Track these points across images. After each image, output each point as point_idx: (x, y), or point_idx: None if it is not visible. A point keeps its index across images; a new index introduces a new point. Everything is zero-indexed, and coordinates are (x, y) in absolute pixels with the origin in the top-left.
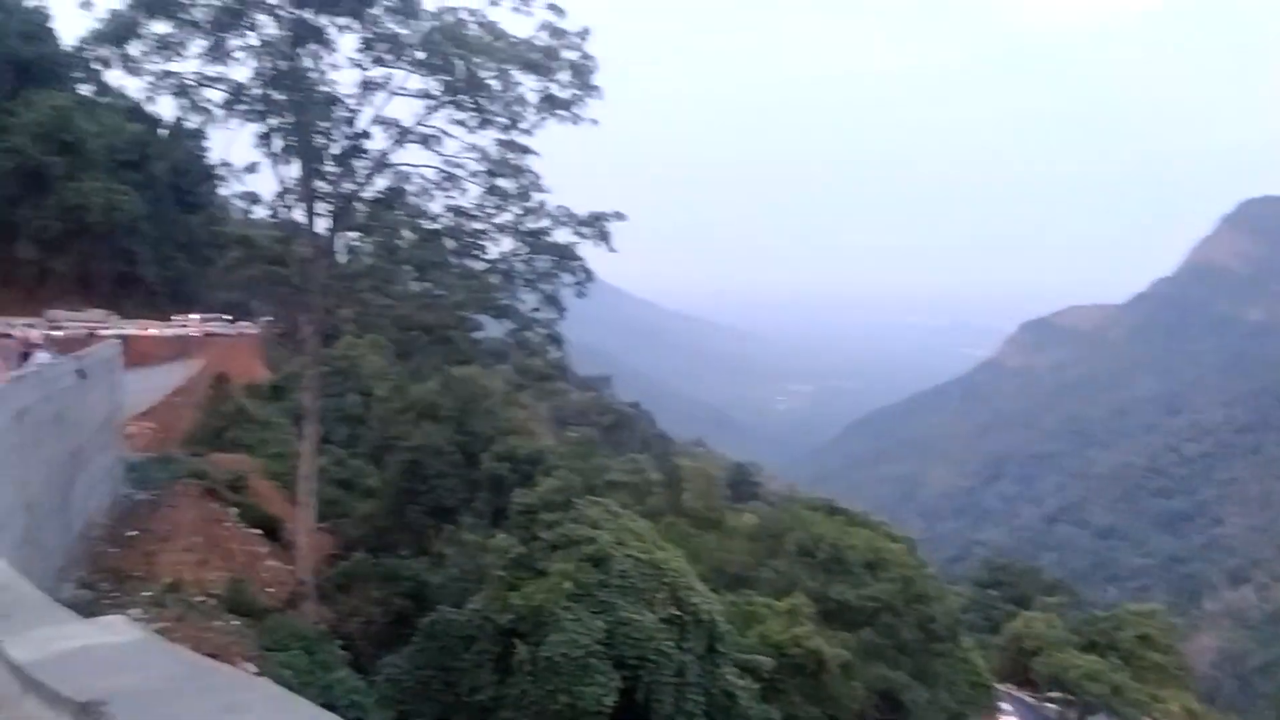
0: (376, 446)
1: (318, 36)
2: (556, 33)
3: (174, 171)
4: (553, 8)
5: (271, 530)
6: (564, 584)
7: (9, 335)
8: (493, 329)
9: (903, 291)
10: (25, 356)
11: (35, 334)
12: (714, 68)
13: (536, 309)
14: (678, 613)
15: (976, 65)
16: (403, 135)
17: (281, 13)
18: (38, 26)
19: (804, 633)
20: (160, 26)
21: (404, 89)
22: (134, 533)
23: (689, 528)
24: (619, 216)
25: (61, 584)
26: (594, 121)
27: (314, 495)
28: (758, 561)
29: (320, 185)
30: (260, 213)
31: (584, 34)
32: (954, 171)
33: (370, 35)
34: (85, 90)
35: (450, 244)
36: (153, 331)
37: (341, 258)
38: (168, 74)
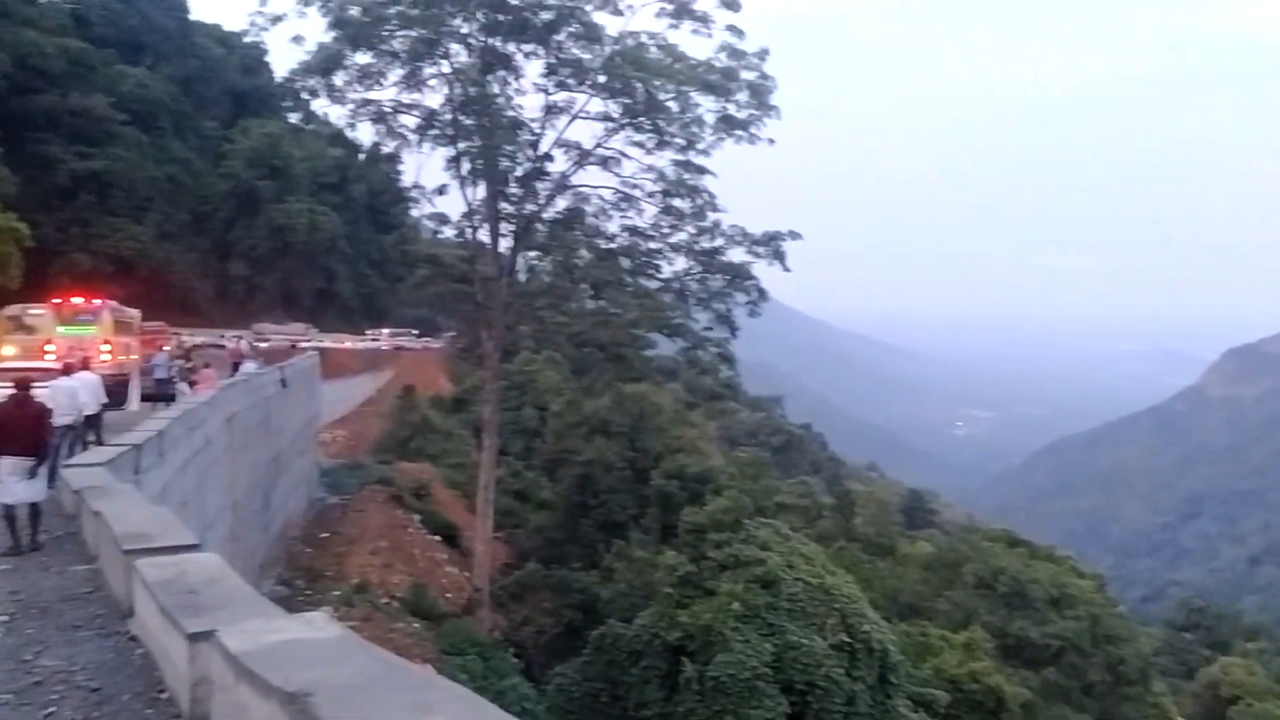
0: (550, 460)
1: (506, 63)
2: (735, 54)
3: (370, 194)
4: (732, 29)
5: (451, 537)
6: (732, 604)
7: (222, 345)
8: (665, 347)
9: (1096, 315)
10: (236, 366)
11: (244, 345)
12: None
13: (709, 327)
14: (848, 640)
15: (1179, 76)
16: (583, 157)
17: (473, 41)
18: (255, 60)
19: (982, 668)
20: (362, 58)
21: (585, 112)
22: (326, 534)
23: (860, 553)
24: (794, 236)
25: (262, 580)
26: (770, 141)
27: (491, 505)
28: (933, 592)
29: (504, 206)
30: (448, 233)
31: (763, 55)
32: (1155, 190)
33: (555, 61)
34: (294, 118)
35: (626, 263)
36: (347, 344)
37: (522, 276)
38: (367, 102)
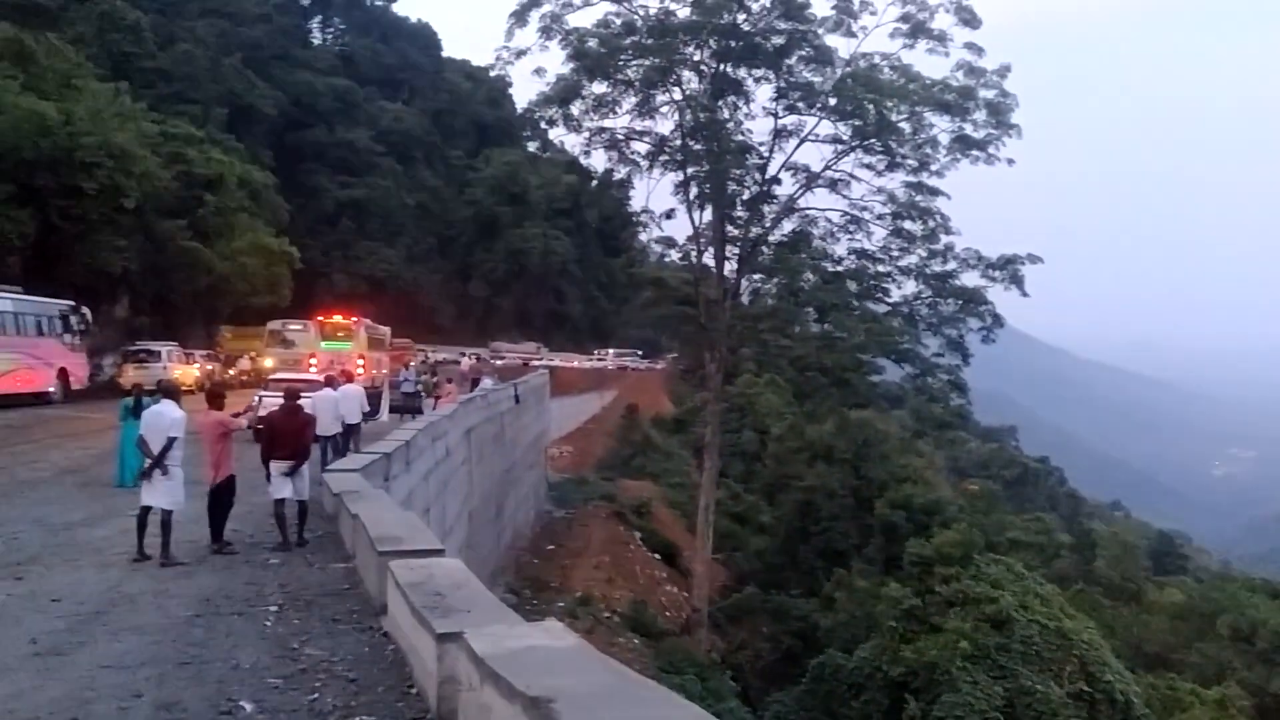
0: (770, 484)
1: (736, 88)
2: (973, 71)
3: (601, 218)
4: (970, 47)
5: (670, 556)
6: (960, 643)
7: (460, 362)
8: (892, 372)
9: None
10: (475, 382)
11: (468, 363)
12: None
13: (939, 353)
14: (1088, 689)
15: None
16: (811, 180)
17: (704, 68)
18: (499, 93)
19: None
20: (598, 87)
21: (815, 135)
22: (552, 547)
23: (1102, 598)
24: (1033, 260)
25: (492, 587)
26: (1010, 162)
27: (710, 526)
28: (1182, 643)
29: (730, 229)
30: (674, 256)
31: (1004, 72)
32: None
33: (785, 84)
34: (532, 147)
35: (853, 286)
36: (575, 363)
37: (745, 299)
38: (601, 129)
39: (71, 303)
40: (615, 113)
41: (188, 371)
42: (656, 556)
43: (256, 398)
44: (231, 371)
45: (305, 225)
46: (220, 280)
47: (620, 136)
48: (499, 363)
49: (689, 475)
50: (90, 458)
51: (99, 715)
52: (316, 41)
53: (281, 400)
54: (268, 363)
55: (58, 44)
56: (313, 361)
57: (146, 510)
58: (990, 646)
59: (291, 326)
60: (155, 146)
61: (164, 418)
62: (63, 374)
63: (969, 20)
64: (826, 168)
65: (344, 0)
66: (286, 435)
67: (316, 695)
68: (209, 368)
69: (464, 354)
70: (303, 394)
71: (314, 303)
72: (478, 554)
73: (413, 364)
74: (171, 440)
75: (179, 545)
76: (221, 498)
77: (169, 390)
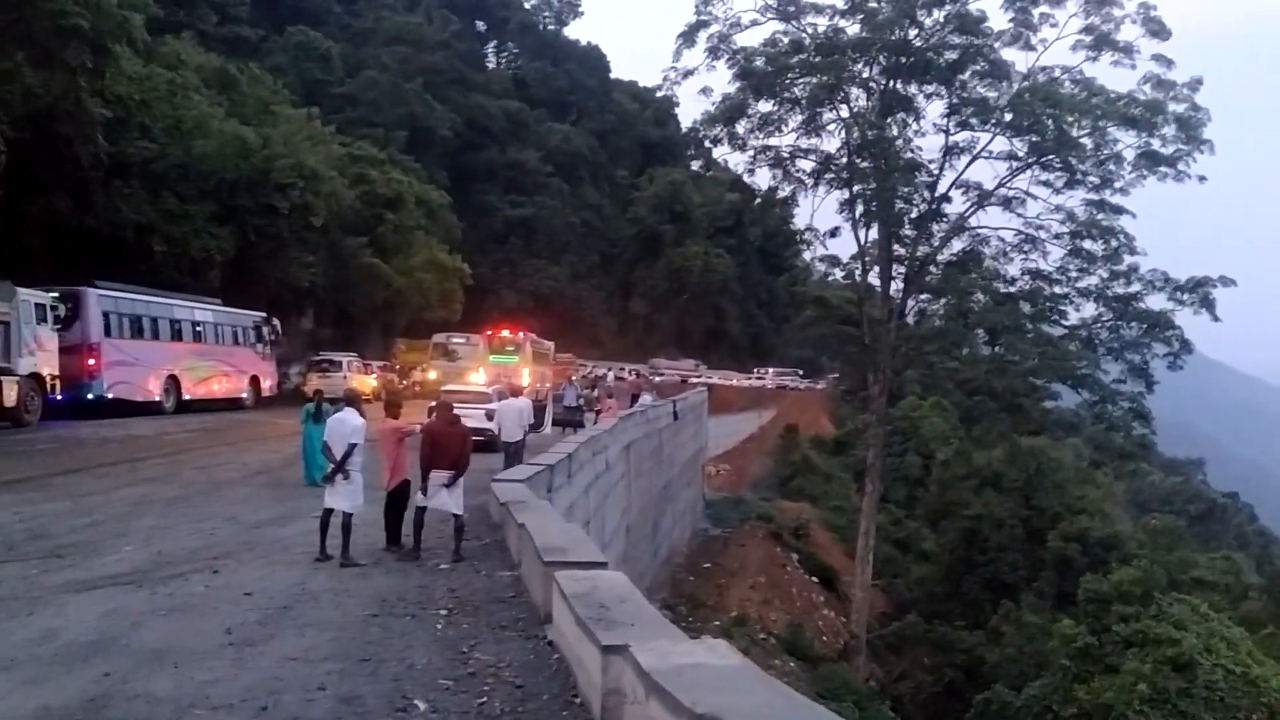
0: (934, 510)
1: (906, 105)
2: (1161, 84)
3: (764, 236)
4: (1159, 59)
5: (827, 580)
6: (1138, 685)
7: (623, 378)
8: (1068, 398)
9: None
10: (634, 397)
11: (641, 378)
12: None
13: (1120, 380)
14: None
15: None
16: (983, 198)
17: (873, 85)
18: (665, 113)
19: None
20: (764, 106)
21: (988, 152)
22: (708, 565)
23: None
24: (1225, 282)
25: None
26: (1201, 179)
27: (871, 552)
28: None
29: (896, 248)
30: (837, 274)
31: (1195, 85)
32: None
33: (957, 100)
34: (695, 166)
35: (1026, 308)
36: (734, 381)
37: (911, 319)
38: (767, 148)
39: (264, 314)
40: (781, 131)
41: (364, 381)
42: (814, 580)
43: (430, 408)
44: (405, 382)
45: (476, 242)
46: (397, 295)
47: (785, 154)
48: (657, 379)
49: (848, 498)
50: (278, 460)
51: (287, 705)
52: (491, 66)
53: (450, 411)
54: (431, 375)
55: (258, 73)
56: (477, 375)
57: (329, 513)
58: (1171, 690)
59: (455, 340)
60: (342, 168)
61: (346, 425)
62: (254, 381)
63: (1157, 31)
64: (1000, 185)
65: (518, 25)
66: (447, 446)
67: (485, 699)
68: (387, 378)
69: (624, 369)
70: (472, 405)
71: (483, 317)
72: (634, 569)
73: (574, 378)
74: (352, 446)
75: (356, 547)
76: (396, 502)
77: (352, 399)
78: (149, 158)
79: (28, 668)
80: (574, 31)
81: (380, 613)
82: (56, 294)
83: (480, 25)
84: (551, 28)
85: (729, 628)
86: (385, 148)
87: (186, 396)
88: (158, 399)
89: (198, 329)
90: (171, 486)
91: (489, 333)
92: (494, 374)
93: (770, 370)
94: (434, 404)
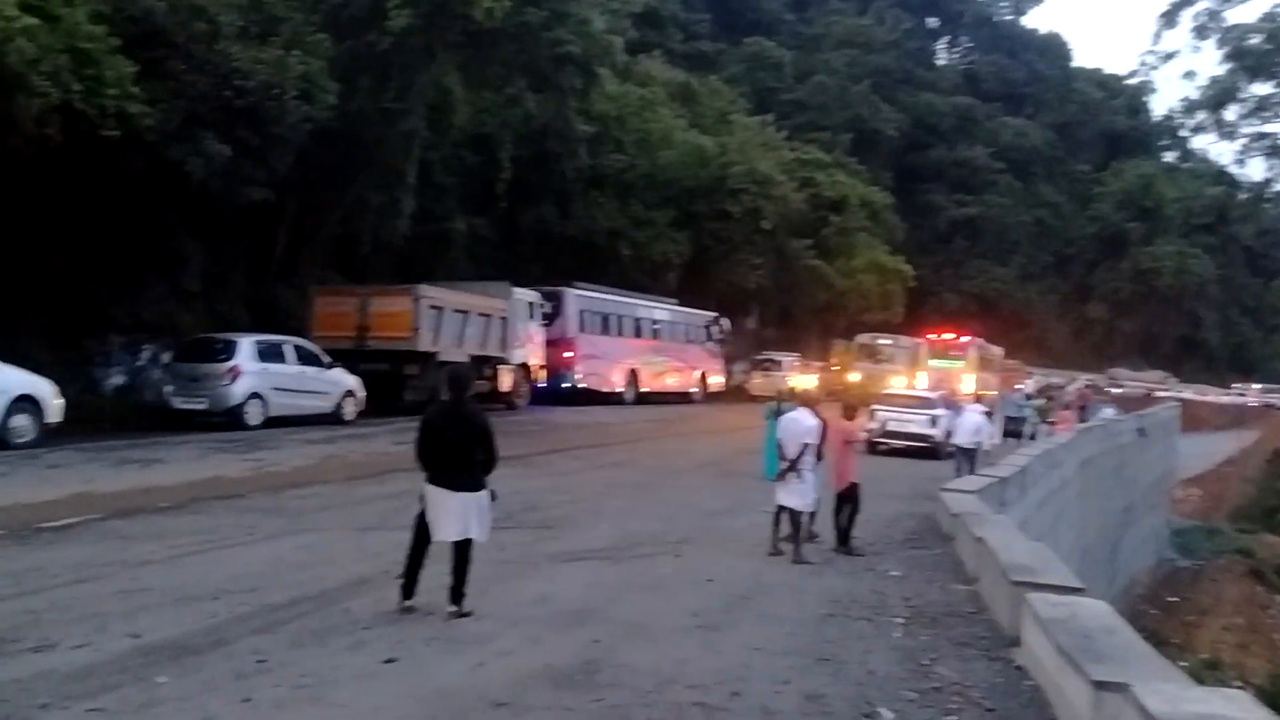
0: None
1: None
2: None
3: (1255, 234)
4: None
5: None
6: None
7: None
8: None
9: None
10: (1082, 409)
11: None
12: None
13: None
14: None
15: None
16: None
17: None
18: (1136, 101)
19: None
20: (1260, 88)
21: None
22: (1174, 599)
23: None
24: None
25: None
26: None
27: None
28: None
29: None
30: None
31: None
32: None
33: None
34: (1169, 157)
35: None
36: (1209, 397)
37: None
38: (1262, 135)
39: (714, 314)
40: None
41: (804, 381)
42: None
43: (871, 412)
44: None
45: (918, 243)
46: (838, 296)
47: None
48: (1117, 391)
49: None
50: (728, 452)
51: (755, 693)
52: (941, 62)
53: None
54: (853, 376)
55: (716, 84)
56: (896, 379)
57: (780, 510)
58: None
59: (882, 340)
60: (790, 172)
61: (800, 424)
62: (703, 377)
63: None
64: None
65: (973, 19)
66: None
67: (954, 718)
68: (829, 379)
69: (1076, 378)
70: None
71: (921, 320)
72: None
73: (1019, 387)
74: (805, 446)
75: (807, 546)
76: (845, 504)
77: (809, 400)
78: (621, 169)
79: (529, 626)
80: (1032, 20)
81: (835, 613)
82: (541, 293)
83: (932, 21)
84: (1007, 18)
85: (1198, 671)
86: (831, 150)
87: (644, 389)
88: (620, 390)
89: (656, 327)
90: (634, 472)
91: (932, 336)
92: (935, 379)
93: (1255, 386)
94: (873, 408)
